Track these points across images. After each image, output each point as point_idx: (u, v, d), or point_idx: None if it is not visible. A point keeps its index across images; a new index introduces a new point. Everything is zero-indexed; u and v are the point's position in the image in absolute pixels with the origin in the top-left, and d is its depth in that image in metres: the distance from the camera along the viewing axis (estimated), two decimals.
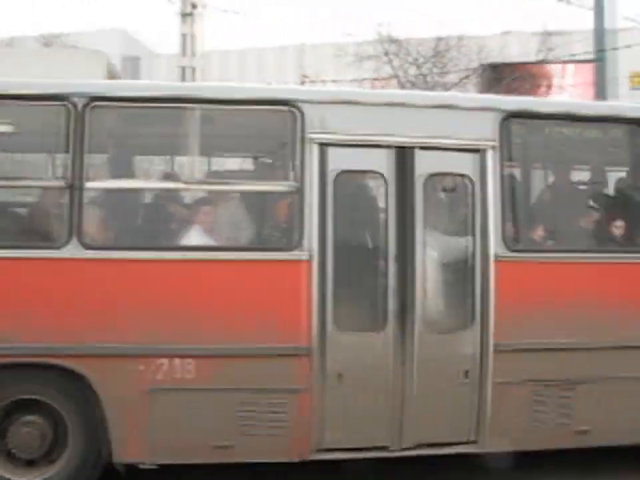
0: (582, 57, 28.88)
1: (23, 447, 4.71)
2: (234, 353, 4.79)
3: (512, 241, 5.33)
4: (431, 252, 5.25)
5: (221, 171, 5.97)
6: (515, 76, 17.40)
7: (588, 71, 19.96)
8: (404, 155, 5.18)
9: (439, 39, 17.51)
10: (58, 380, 4.71)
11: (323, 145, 5.02)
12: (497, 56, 21.81)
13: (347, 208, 5.23)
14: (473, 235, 5.26)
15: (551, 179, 6.35)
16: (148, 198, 5.46)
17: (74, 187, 4.70)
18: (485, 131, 5.29)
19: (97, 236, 4.96)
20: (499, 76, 17.88)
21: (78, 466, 4.77)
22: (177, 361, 4.76)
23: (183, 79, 14.54)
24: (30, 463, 4.75)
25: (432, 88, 17.45)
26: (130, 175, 5.58)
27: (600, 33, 18.20)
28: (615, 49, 18.07)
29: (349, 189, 5.29)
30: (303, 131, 4.96)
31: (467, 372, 5.22)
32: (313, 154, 5.01)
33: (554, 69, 20.99)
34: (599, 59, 18.89)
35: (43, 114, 5.03)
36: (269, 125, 5.43)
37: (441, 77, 17.74)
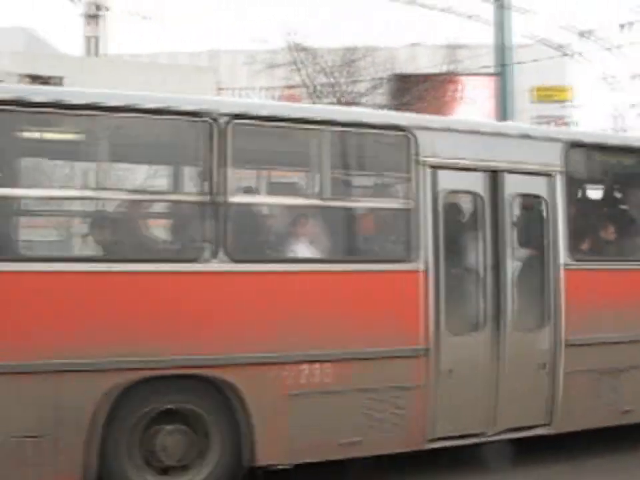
0: (486, 71, 29.89)
1: (168, 455, 4.79)
2: (364, 356, 5.24)
3: (576, 252, 6.18)
4: (517, 262, 6.02)
5: (349, 189, 6.23)
6: (422, 87, 17.76)
7: (489, 84, 20.64)
8: (496, 178, 5.90)
9: (348, 49, 17.70)
10: (205, 389, 4.89)
11: (434, 167, 5.60)
12: (405, 67, 22.29)
13: (453, 223, 5.85)
14: (547, 247, 6.04)
15: (605, 199, 7.16)
16: (284, 213, 5.80)
17: (218, 202, 4.89)
18: (554, 158, 6.14)
19: (242, 249, 5.16)
20: (407, 86, 18.23)
21: (219, 472, 4.95)
22: (316, 366, 5.12)
23: None
24: (165, 471, 4.83)
25: (341, 97, 17.67)
26: (268, 190, 6.16)
27: (500, 49, 18.82)
28: (506, 64, 18.70)
29: (454, 207, 5.96)
30: (417, 154, 5.51)
31: (544, 364, 5.95)
32: (426, 175, 5.57)
33: (459, 81, 21.62)
34: (500, 73, 19.55)
35: (186, 129, 5.14)
36: (388, 148, 5.93)
37: (350, 86, 17.95)
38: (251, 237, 5.44)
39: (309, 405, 5.10)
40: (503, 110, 19.90)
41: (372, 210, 6.03)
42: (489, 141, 6.12)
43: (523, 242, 6.21)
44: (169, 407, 4.81)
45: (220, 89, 21.99)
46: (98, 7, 13.06)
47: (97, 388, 4.54)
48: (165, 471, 4.82)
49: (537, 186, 6.22)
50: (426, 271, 5.50)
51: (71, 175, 5.34)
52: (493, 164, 5.96)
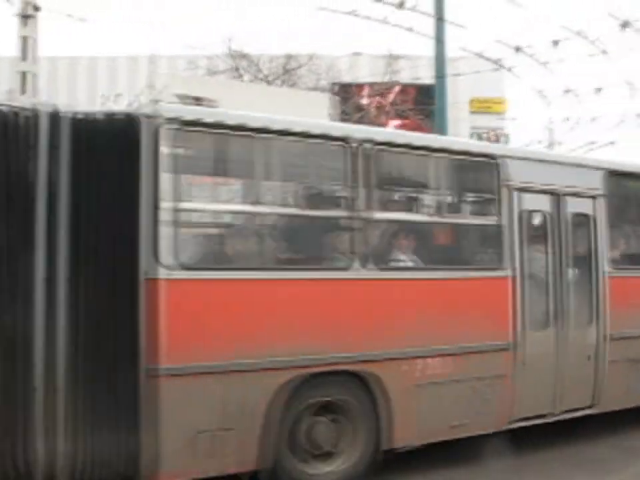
0: (424, 82, 30.31)
1: (326, 443, 5.57)
2: (470, 350, 6.31)
3: (614, 262, 7.63)
4: (574, 269, 7.32)
5: (454, 207, 7.17)
6: (363, 96, 17.93)
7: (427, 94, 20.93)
8: (558, 200, 7.20)
9: (290, 57, 17.75)
10: (354, 382, 5.71)
11: (514, 190, 6.83)
12: (346, 75, 22.46)
13: (531, 237, 7.04)
14: (593, 257, 7.44)
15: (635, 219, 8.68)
16: (409, 227, 6.64)
17: (360, 218, 5.79)
18: (597, 183, 7.55)
19: (384, 260, 6.29)
20: (347, 95, 18.38)
21: (365, 456, 5.75)
22: (436, 359, 6.12)
23: (23, 84, 13.93)
24: (322, 457, 5.60)
25: None
26: (403, 208, 6.78)
27: (440, 60, 19.09)
28: (442, 76, 19.01)
29: (530, 224, 7.13)
30: (502, 179, 6.73)
31: (590, 355, 7.30)
32: (511, 197, 6.80)
33: (397, 90, 21.92)
34: (439, 84, 19.83)
35: (337, 153, 5.88)
36: (479, 173, 7.08)
37: None
38: (389, 249, 6.47)
39: (430, 393, 6.08)
40: (440, 120, 20.23)
41: (471, 226, 7.17)
42: (551, 167, 7.47)
43: (577, 253, 7.45)
44: (327, 399, 5.61)
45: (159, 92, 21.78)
46: (36, 8, 12.70)
47: (271, 385, 5.21)
48: (322, 457, 5.57)
49: (585, 206, 7.57)
50: (514, 277, 6.71)
51: (258, 193, 5.81)
52: (556, 187, 7.27)
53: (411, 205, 6.94)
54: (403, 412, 5.87)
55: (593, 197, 7.61)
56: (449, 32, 19.92)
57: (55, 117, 4.84)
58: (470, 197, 7.63)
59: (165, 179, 4.97)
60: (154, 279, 4.85)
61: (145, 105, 5.42)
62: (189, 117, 5.15)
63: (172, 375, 4.86)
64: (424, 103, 21.73)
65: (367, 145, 5.91)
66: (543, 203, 7.28)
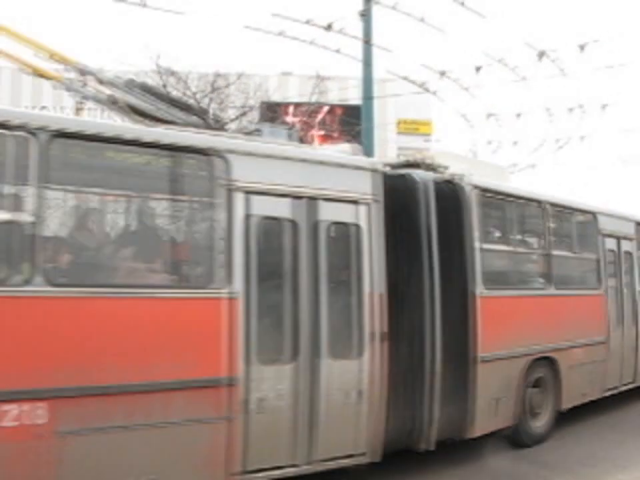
0: (352, 103, 30.72)
1: (537, 405, 8.39)
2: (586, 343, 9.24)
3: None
4: (331, 290, 6.22)
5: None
6: (289, 114, 18.07)
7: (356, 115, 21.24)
8: (309, 205, 6.04)
9: (218, 75, 17.76)
10: (548, 364, 8.49)
11: (239, 192, 5.58)
12: (275, 95, 22.57)
13: (263, 249, 5.82)
14: (356, 276, 6.32)
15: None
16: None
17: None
18: (367, 187, 6.45)
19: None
20: (275, 114, 18.49)
21: (552, 415, 8.66)
22: (580, 349, 9.10)
23: None
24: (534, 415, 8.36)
25: (211, 123, 17.67)
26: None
27: (367, 82, 19.42)
28: (369, 97, 19.38)
29: (263, 233, 5.89)
30: (220, 178, 5.54)
31: (360, 392, 6.20)
32: (234, 200, 5.53)
33: (325, 111, 22.17)
34: (366, 105, 20.16)
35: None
36: (191, 170, 5.75)
37: (218, 112, 17.97)
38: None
39: (573, 372, 8.82)
40: (367, 140, 20.54)
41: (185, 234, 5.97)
42: (301, 167, 6.10)
43: (335, 270, 6.23)
44: (540, 375, 8.38)
45: (79, 108, 21.43)
46: None
47: (518, 367, 7.92)
48: (535, 415, 8.32)
49: (350, 214, 6.31)
50: (233, 299, 5.37)
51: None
52: (304, 190, 5.98)
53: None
54: (567, 384, 8.74)
55: (364, 204, 6.37)
56: (378, 54, 20.38)
57: (438, 185, 7.34)
58: (175, 199, 5.92)
59: (476, 227, 7.46)
60: (477, 296, 7.32)
61: (466, 176, 7.54)
62: (486, 187, 7.87)
63: (484, 361, 7.28)
64: (351, 124, 22.02)
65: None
66: (285, 209, 5.85)
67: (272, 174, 5.84)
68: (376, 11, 18.15)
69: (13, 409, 4.38)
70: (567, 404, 8.90)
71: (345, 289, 6.27)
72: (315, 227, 6.02)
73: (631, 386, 10.56)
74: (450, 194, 7.41)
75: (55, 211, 5.38)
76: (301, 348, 5.81)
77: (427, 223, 7.04)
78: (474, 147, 25.27)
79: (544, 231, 8.97)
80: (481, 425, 7.36)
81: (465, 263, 7.40)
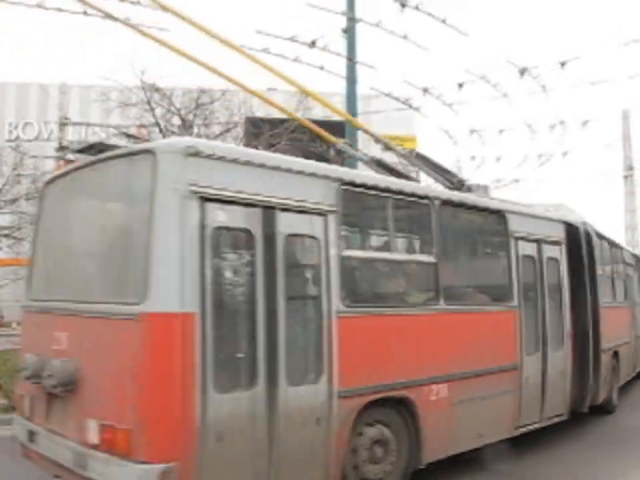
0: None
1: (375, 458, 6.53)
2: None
3: (348, 299, 6.36)
4: (291, 308, 6.01)
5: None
6: (274, 132, 18.13)
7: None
8: (264, 215, 5.74)
9: (202, 91, 17.80)
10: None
11: (189, 198, 5.26)
12: (260, 111, 22.62)
13: (217, 262, 5.49)
14: (317, 291, 6.10)
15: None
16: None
17: None
18: (324, 196, 6.37)
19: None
20: (259, 131, 18.55)
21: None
22: None
23: None
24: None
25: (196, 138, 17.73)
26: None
27: (351, 99, 19.53)
28: (353, 114, 19.50)
29: (218, 245, 5.56)
30: (162, 180, 5.31)
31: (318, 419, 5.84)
32: (186, 208, 5.20)
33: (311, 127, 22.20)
34: (349, 121, 20.24)
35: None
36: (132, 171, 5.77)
37: (202, 128, 18.01)
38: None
39: (457, 410, 7.52)
40: (354, 159, 20.61)
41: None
42: (257, 173, 5.71)
43: (295, 284, 5.95)
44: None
45: (64, 123, 21.48)
46: None
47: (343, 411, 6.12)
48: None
49: (307, 225, 5.99)
50: (188, 315, 5.05)
51: None
52: (260, 199, 5.65)
53: None
54: (435, 428, 7.34)
55: (320, 214, 6.09)
56: (362, 71, 20.54)
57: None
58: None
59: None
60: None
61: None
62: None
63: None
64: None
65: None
66: (241, 219, 5.51)
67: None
68: (359, 27, 18.33)
69: (436, 388, 7.06)
70: (436, 454, 7.12)
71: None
72: None
73: (557, 419, 9.39)
74: None
75: (445, 254, 7.63)
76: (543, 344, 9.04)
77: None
78: (457, 162, 25.42)
79: (431, 234, 7.42)
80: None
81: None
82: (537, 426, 8.78)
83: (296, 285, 5.93)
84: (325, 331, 5.92)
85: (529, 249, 8.83)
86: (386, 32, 12.46)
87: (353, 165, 11.61)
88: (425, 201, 7.43)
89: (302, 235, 6.01)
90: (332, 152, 23.09)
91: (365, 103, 23.47)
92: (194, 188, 5.21)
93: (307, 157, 19.47)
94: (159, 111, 17.48)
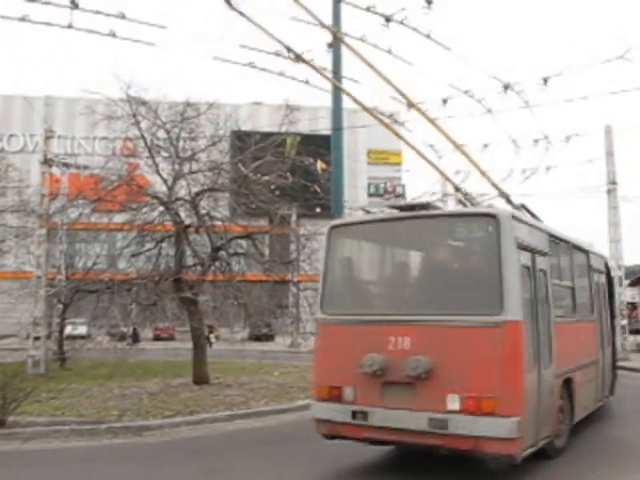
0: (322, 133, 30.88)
1: None
2: None
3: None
4: None
5: None
6: (260, 145, 18.15)
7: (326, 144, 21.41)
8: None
9: (188, 105, 17.82)
10: None
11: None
12: (246, 124, 22.67)
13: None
14: None
15: None
16: None
17: None
18: None
19: None
20: (245, 144, 18.57)
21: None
22: None
23: None
24: None
25: (181, 152, 17.75)
26: None
27: (336, 113, 19.62)
28: (338, 128, 19.65)
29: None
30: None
31: None
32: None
33: (295, 141, 22.33)
34: (335, 136, 20.32)
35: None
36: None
37: (188, 142, 18.01)
38: None
39: None
40: (337, 170, 20.66)
41: None
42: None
43: None
44: None
45: (49, 136, 21.45)
46: None
47: None
48: None
49: (544, 263, 9.32)
50: None
51: None
52: None
53: None
54: None
55: (544, 255, 9.35)
56: (347, 86, 20.67)
57: None
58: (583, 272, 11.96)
59: None
60: None
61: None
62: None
63: None
64: (322, 154, 22.17)
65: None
66: (526, 259, 8.45)
67: None
68: (345, 41, 18.41)
69: (579, 373, 10.08)
70: (576, 420, 10.13)
71: None
72: None
73: (602, 403, 12.53)
74: None
75: (574, 282, 10.83)
76: None
77: None
78: (442, 177, 25.45)
79: (571, 268, 11.29)
80: None
81: None
82: (599, 404, 12.01)
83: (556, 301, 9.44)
84: (552, 334, 8.80)
85: (597, 277, 12.65)
86: (370, 46, 12.48)
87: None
88: (580, 250, 11.62)
89: (544, 270, 8.99)
90: (318, 166, 23.26)
91: (351, 117, 23.62)
92: (517, 240, 8.02)
93: (292, 171, 19.66)
94: (144, 124, 17.46)
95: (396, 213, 9.01)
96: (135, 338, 32.50)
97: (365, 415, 8.02)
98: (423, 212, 8.53)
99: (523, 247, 8.14)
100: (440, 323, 7.76)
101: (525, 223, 8.69)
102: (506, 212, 8.22)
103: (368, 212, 9.66)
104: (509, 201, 9.75)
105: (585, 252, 11.90)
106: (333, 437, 8.62)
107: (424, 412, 7.58)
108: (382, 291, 9.31)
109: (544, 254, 8.97)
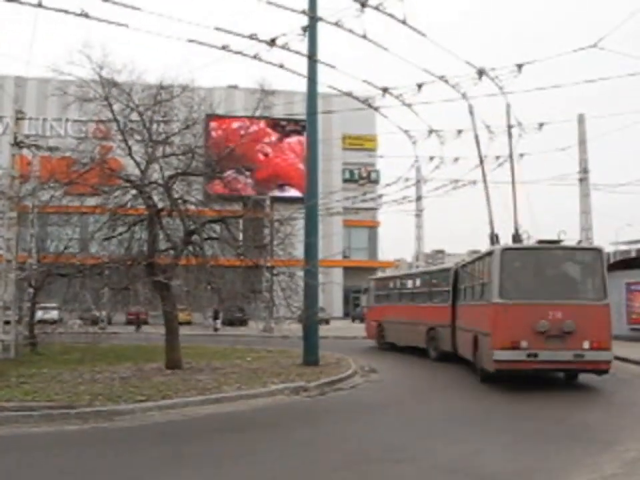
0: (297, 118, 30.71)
1: None
2: None
3: None
4: None
5: None
6: (233, 128, 18.01)
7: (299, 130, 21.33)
8: None
9: (162, 88, 17.61)
10: None
11: None
12: (220, 108, 22.59)
13: None
14: None
15: None
16: None
17: None
18: None
19: None
20: (219, 127, 18.43)
21: None
22: None
23: None
24: None
25: (155, 135, 17.57)
26: None
27: (311, 97, 19.53)
28: (313, 113, 19.59)
29: None
30: None
31: None
32: None
33: (270, 126, 22.26)
34: (310, 121, 20.22)
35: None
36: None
37: (162, 125, 17.82)
38: None
39: None
40: (312, 155, 20.60)
41: None
42: None
43: None
44: None
45: (19, 118, 21.10)
46: None
47: None
48: None
49: None
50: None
51: None
52: None
53: None
54: None
55: None
56: (322, 70, 20.59)
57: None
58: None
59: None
60: None
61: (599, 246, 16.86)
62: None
63: None
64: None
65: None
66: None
67: None
68: (320, 26, 18.31)
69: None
70: None
71: None
72: None
73: None
74: None
75: None
76: None
77: None
78: (417, 162, 25.52)
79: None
80: None
81: None
82: None
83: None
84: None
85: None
86: (345, 31, 12.43)
87: None
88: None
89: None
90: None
91: (326, 101, 23.53)
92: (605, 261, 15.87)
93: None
94: (117, 107, 17.24)
95: (538, 244, 16.06)
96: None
97: (535, 355, 14.39)
98: (557, 245, 15.65)
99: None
100: (576, 304, 14.78)
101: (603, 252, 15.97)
102: (601, 247, 16.42)
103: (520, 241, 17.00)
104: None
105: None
106: (507, 372, 14.83)
107: (571, 350, 14.36)
108: (539, 287, 15.30)
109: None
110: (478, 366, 16.24)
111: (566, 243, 15.65)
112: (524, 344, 14.30)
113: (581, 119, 33.59)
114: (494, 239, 17.95)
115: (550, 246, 15.59)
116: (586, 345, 14.23)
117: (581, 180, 29.41)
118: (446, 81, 14.64)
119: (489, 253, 16.09)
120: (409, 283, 26.10)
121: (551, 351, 14.22)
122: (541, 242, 15.78)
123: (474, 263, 18.45)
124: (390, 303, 26.79)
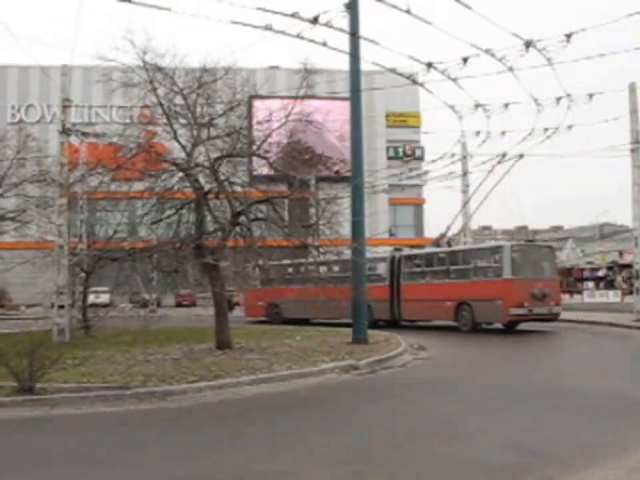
0: (341, 96, 30.47)
1: None
2: None
3: None
4: None
5: None
6: (277, 109, 17.98)
7: (346, 108, 21.19)
8: None
9: (205, 70, 17.64)
10: None
11: None
12: (262, 89, 22.57)
13: None
14: None
15: None
16: None
17: None
18: None
19: None
20: (263, 108, 18.41)
21: None
22: None
23: None
24: None
25: (199, 118, 17.64)
26: None
27: (355, 75, 19.35)
28: (357, 90, 19.40)
29: None
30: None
31: None
32: None
33: (316, 105, 22.15)
34: (354, 98, 20.07)
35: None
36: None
37: (205, 107, 17.86)
38: None
39: None
40: (357, 133, 20.45)
41: None
42: None
43: None
44: None
45: (66, 105, 21.39)
46: None
47: None
48: None
49: None
50: None
51: None
52: None
53: None
54: None
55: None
56: (365, 47, 20.44)
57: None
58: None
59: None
60: None
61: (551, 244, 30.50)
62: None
63: None
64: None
65: None
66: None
67: None
68: (362, 2, 18.09)
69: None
70: None
71: None
72: None
73: None
74: None
75: None
76: None
77: None
78: (463, 138, 25.18)
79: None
80: None
81: None
82: None
83: None
84: None
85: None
86: (389, 7, 12.26)
87: None
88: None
89: None
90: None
91: (369, 79, 23.40)
92: None
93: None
94: (161, 91, 17.34)
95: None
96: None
97: (531, 310, 23.11)
98: (534, 243, 29.47)
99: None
100: (549, 279, 24.85)
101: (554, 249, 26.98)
102: (553, 245, 29.76)
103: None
104: None
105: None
106: (514, 320, 23.82)
107: (548, 306, 23.64)
108: (531, 268, 24.53)
109: None
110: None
111: (539, 243, 27.07)
112: (526, 304, 23.12)
113: (632, 88, 32.67)
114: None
115: (533, 244, 29.31)
116: (552, 303, 23.94)
117: (632, 151, 28.59)
118: (492, 54, 14.34)
119: (499, 247, 25.21)
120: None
121: (540, 308, 23.42)
122: (527, 241, 29.04)
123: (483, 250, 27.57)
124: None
